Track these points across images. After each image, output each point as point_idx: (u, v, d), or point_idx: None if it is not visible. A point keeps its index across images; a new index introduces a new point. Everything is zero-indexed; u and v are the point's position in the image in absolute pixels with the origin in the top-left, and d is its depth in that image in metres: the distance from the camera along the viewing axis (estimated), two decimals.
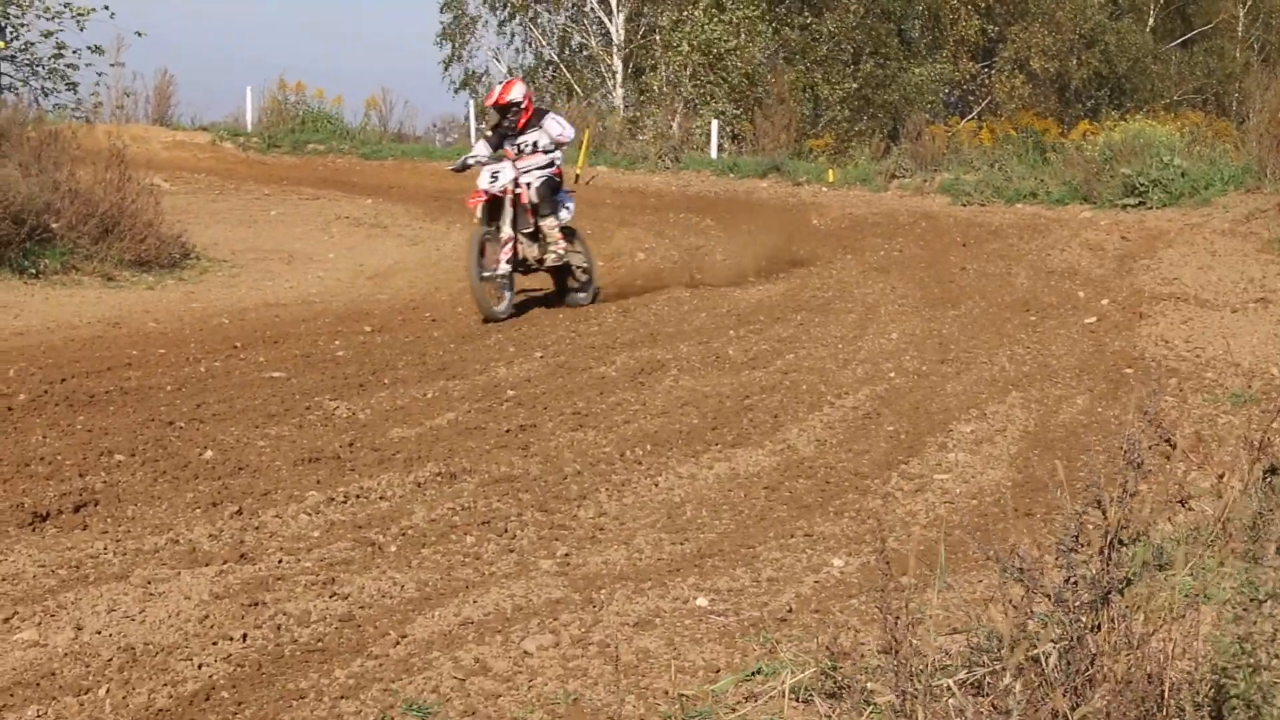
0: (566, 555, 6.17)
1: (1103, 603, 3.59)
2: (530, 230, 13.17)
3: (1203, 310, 12.43)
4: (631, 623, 5.26)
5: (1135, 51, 37.40)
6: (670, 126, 26.48)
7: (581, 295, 13.71)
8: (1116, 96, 36.98)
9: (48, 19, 29.18)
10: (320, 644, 5.01)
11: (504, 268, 12.77)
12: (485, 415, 8.78)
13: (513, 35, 36.19)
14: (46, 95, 29.11)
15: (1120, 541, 3.66)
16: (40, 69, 29.47)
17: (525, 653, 4.90)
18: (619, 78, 33.86)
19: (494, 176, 12.87)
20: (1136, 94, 36.87)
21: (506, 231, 12.86)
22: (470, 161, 13.22)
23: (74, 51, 29.43)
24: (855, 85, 33.60)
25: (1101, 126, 23.85)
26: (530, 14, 35.45)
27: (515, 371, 10.13)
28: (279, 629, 5.12)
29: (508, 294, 12.85)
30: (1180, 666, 3.62)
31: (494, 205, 12.86)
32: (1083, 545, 3.72)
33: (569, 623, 5.20)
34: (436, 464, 7.51)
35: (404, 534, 6.37)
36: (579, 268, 13.70)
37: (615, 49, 33.90)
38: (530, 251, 13.23)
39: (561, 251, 13.33)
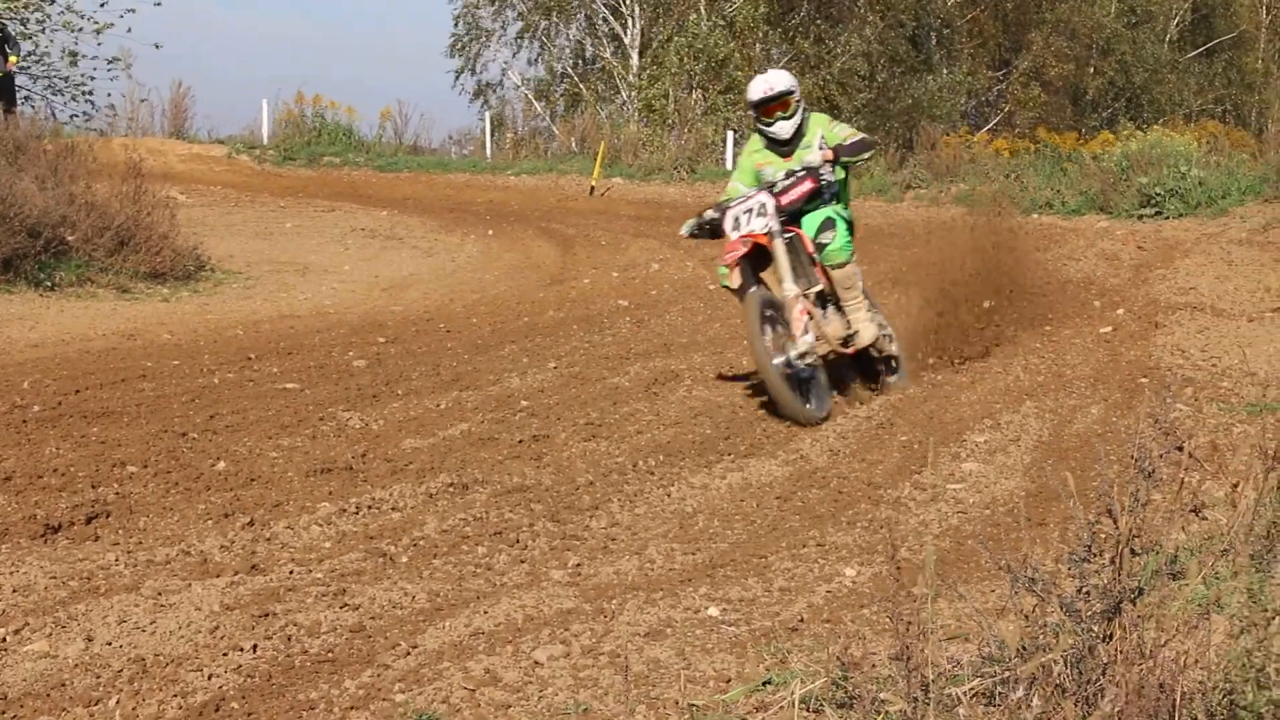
0: (578, 565, 6.15)
1: (1114, 612, 3.57)
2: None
3: (1219, 320, 12.36)
4: (643, 633, 5.23)
5: (1152, 62, 37.34)
6: (683, 137, 26.46)
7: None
8: (1134, 107, 36.92)
9: (69, 33, 29.19)
10: (330, 655, 5.00)
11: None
12: (498, 426, 8.77)
13: (521, 48, 36.26)
14: (65, 107, 29.19)
15: (1132, 551, 3.64)
16: (59, 81, 29.50)
17: (536, 663, 4.88)
18: (633, 89, 33.83)
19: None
20: (1154, 104, 36.81)
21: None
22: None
23: (91, 59, 29.34)
24: (871, 95, 33.56)
25: (1118, 137, 23.78)
26: (542, 26, 35.46)
27: (529, 382, 10.12)
28: (289, 640, 5.11)
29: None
30: (1192, 676, 3.60)
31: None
32: (1095, 555, 3.70)
33: (580, 633, 5.18)
34: (449, 475, 7.50)
35: (415, 545, 6.36)
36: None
37: (628, 61, 33.90)
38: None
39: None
